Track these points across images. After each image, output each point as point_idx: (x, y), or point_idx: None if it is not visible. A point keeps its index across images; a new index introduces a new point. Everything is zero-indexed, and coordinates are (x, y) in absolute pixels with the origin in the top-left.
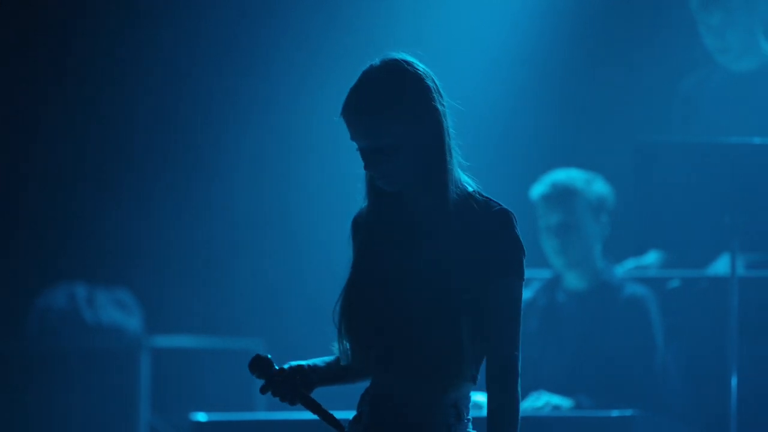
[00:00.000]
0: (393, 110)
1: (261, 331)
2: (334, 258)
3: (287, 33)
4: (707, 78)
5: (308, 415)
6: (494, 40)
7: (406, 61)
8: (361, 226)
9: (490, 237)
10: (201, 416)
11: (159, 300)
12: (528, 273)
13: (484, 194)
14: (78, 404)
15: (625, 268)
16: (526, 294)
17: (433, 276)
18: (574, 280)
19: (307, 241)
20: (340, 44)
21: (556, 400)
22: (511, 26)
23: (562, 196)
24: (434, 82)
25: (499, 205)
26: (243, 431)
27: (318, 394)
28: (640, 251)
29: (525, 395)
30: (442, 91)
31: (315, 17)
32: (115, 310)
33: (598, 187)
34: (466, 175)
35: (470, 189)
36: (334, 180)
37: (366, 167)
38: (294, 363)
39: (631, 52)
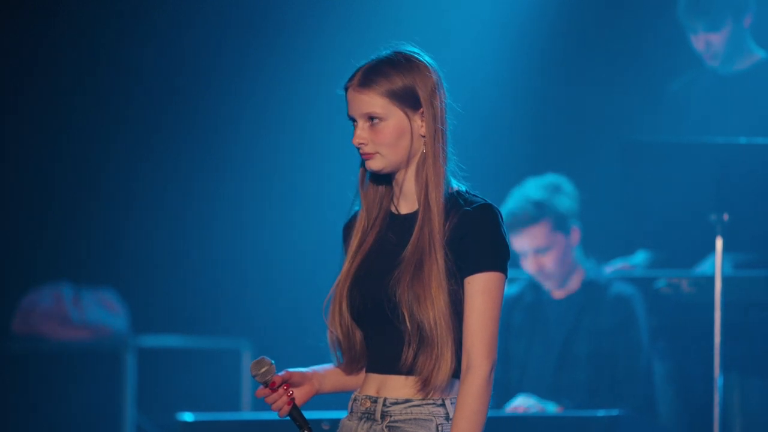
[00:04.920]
0: (389, 86)
1: (247, 331)
2: (321, 258)
3: (283, 33)
4: (695, 79)
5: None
6: (484, 41)
7: (415, 52)
8: (351, 230)
9: (470, 231)
10: (187, 416)
11: (145, 299)
12: (514, 271)
13: (472, 192)
14: (64, 404)
15: (613, 267)
16: (512, 289)
17: (419, 263)
18: (561, 292)
19: (294, 240)
20: (337, 46)
21: (541, 404)
22: (500, 26)
23: (525, 228)
24: (438, 75)
25: (483, 200)
26: (229, 431)
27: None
28: (627, 251)
29: (512, 395)
30: (445, 86)
31: (312, 19)
32: (101, 310)
33: (558, 201)
34: (461, 174)
35: (462, 188)
36: (322, 180)
37: (352, 141)
38: (294, 370)
39: (620, 53)
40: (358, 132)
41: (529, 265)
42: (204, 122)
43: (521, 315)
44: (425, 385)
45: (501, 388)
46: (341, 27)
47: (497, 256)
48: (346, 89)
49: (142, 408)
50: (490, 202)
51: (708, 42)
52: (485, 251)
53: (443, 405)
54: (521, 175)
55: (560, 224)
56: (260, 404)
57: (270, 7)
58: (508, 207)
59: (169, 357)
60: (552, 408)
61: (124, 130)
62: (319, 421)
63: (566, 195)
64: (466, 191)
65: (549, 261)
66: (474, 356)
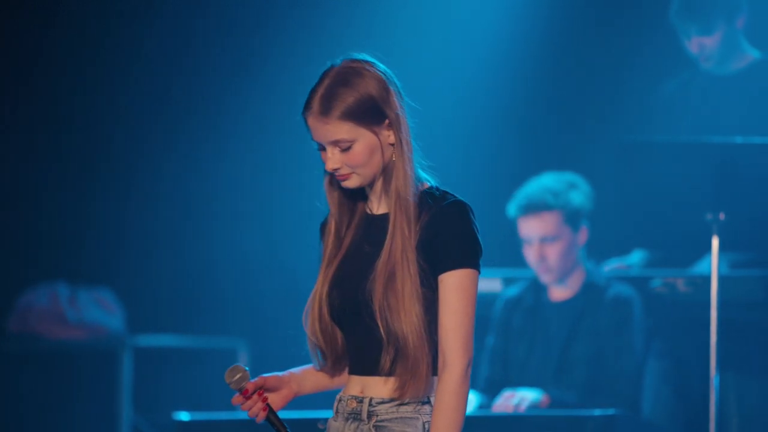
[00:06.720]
0: (350, 109)
1: (243, 331)
2: (319, 258)
3: (276, 34)
4: (691, 80)
5: (292, 415)
6: (480, 41)
7: (367, 62)
8: (326, 230)
9: (442, 229)
10: (184, 415)
11: (141, 299)
12: (514, 272)
13: (441, 189)
14: (60, 403)
15: (609, 267)
16: (513, 291)
17: (392, 271)
18: (560, 290)
19: (291, 240)
20: (337, 48)
21: (528, 394)
22: (495, 26)
23: (538, 213)
24: (394, 83)
25: (454, 197)
26: (226, 431)
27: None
28: (623, 250)
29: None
30: (402, 93)
31: (315, 18)
32: (98, 309)
33: (574, 196)
34: (427, 173)
35: (429, 185)
36: (321, 181)
37: (325, 167)
38: (269, 374)
39: (617, 53)
40: (330, 157)
41: (531, 253)
42: (201, 122)
43: (521, 317)
44: (403, 393)
45: (502, 390)
46: (344, 27)
47: (470, 253)
48: (305, 116)
49: (138, 407)
50: (461, 198)
51: (701, 45)
52: (457, 248)
53: (429, 402)
54: (519, 175)
55: (571, 219)
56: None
57: (272, 7)
58: (524, 192)
59: (165, 356)
60: (538, 395)
61: (120, 130)
62: (315, 421)
63: (582, 193)
64: (436, 188)
65: (552, 252)
66: (450, 354)
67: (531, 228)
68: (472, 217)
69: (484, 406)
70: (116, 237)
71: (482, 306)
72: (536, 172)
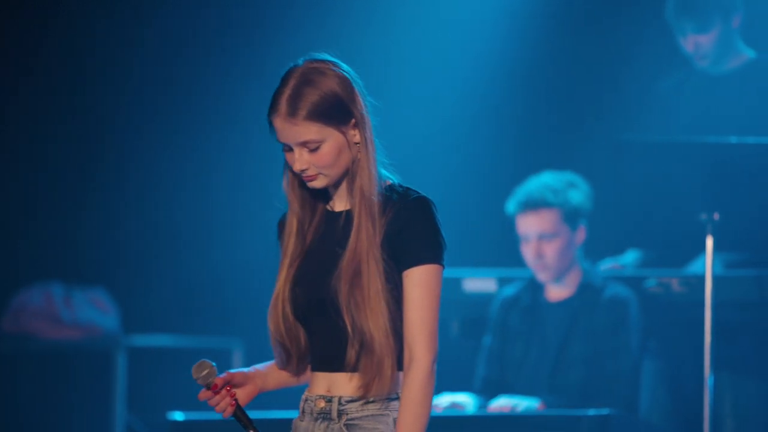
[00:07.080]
0: (318, 109)
1: (238, 330)
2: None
3: (276, 34)
4: (686, 79)
5: (286, 415)
6: (476, 41)
7: (330, 62)
8: (287, 229)
9: (406, 225)
10: (178, 415)
11: (136, 299)
12: (510, 272)
13: (404, 185)
14: (54, 403)
15: (603, 267)
16: (509, 291)
17: (357, 269)
18: (557, 290)
19: None
20: (329, 46)
21: (524, 401)
22: (490, 25)
23: (537, 210)
24: (358, 83)
25: (417, 193)
26: (220, 431)
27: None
28: (617, 250)
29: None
30: (364, 92)
31: (315, 18)
32: (92, 309)
33: (573, 195)
34: (389, 171)
35: (391, 182)
36: None
37: (293, 167)
38: (236, 370)
39: (612, 52)
40: (298, 158)
41: (529, 251)
42: (195, 121)
43: (518, 317)
44: (368, 391)
45: (498, 390)
46: (342, 26)
47: (434, 249)
48: (272, 118)
49: (132, 407)
50: (424, 194)
51: (697, 43)
52: (422, 244)
53: (398, 398)
54: (515, 175)
55: (570, 217)
56: (251, 404)
57: (272, 7)
58: (524, 189)
59: (159, 356)
60: (534, 403)
61: (116, 129)
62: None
63: (581, 192)
64: (399, 185)
65: (550, 249)
66: (416, 349)
67: (529, 225)
68: (435, 212)
69: (482, 406)
70: (111, 237)
71: (478, 306)
72: (531, 172)
